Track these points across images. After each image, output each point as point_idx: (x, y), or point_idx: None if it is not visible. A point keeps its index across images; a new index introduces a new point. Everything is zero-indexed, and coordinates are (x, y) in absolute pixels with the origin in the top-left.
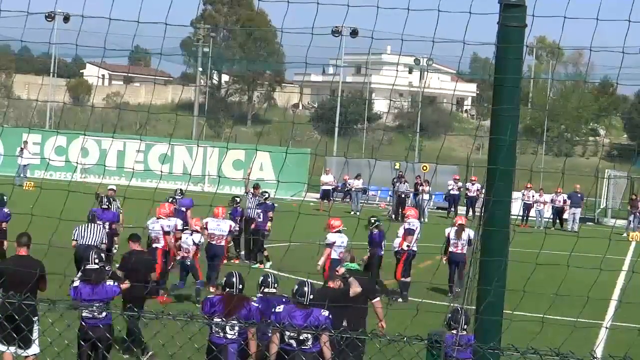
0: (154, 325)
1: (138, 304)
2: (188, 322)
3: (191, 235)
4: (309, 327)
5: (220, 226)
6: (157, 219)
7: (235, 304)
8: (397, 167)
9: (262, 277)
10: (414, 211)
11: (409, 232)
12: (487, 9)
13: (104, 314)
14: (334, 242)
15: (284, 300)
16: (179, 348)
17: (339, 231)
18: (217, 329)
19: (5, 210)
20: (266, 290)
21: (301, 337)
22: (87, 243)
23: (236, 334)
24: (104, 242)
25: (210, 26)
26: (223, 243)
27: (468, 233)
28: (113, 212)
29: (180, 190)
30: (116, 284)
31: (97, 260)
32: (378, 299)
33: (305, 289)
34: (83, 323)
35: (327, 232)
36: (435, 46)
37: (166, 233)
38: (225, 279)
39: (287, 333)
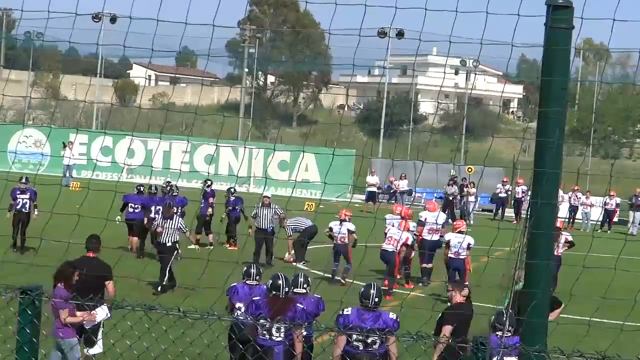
0: (199, 325)
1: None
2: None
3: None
4: (376, 330)
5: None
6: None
7: (281, 306)
8: (453, 172)
9: (292, 277)
10: (431, 204)
11: (419, 223)
12: (534, 11)
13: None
14: (449, 241)
15: (312, 300)
16: (224, 348)
17: (460, 232)
18: (263, 331)
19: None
20: (295, 290)
21: (368, 340)
22: (263, 225)
23: (282, 335)
24: (273, 222)
25: (257, 27)
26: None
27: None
28: (181, 197)
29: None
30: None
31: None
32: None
33: (372, 291)
34: (233, 325)
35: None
36: (482, 47)
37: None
38: (271, 281)
39: (354, 336)
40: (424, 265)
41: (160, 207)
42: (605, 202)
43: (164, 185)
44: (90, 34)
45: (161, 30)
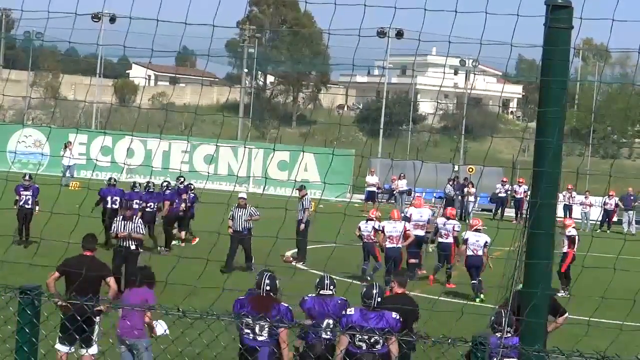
0: (198, 324)
1: None
2: (233, 322)
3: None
4: (380, 330)
5: (397, 227)
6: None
7: (262, 305)
8: (456, 168)
9: (318, 278)
10: (418, 201)
11: (404, 219)
12: (534, 11)
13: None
14: (467, 239)
15: (339, 302)
16: (224, 348)
17: (477, 230)
18: (247, 331)
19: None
20: (322, 292)
21: (371, 340)
22: (237, 226)
23: (266, 336)
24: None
25: (256, 27)
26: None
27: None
28: (158, 193)
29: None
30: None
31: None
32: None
33: (374, 291)
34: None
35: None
36: (482, 47)
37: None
38: (257, 278)
39: (357, 336)
40: (411, 260)
41: (117, 199)
42: (604, 202)
43: (163, 184)
44: (89, 34)
45: (161, 30)
